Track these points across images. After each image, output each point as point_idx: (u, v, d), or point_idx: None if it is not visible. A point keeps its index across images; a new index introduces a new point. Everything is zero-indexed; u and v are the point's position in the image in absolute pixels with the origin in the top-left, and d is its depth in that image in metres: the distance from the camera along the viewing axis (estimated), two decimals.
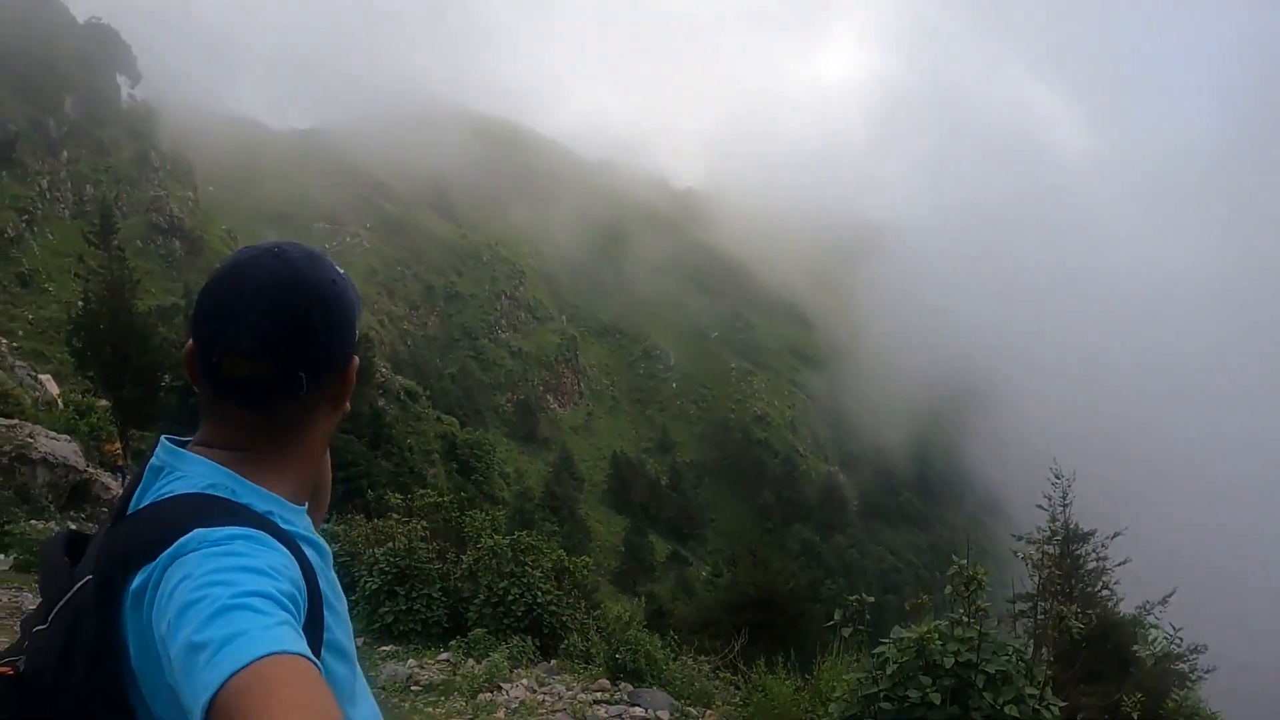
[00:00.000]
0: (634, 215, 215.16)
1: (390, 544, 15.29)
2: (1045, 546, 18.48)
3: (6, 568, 17.37)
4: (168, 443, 1.84)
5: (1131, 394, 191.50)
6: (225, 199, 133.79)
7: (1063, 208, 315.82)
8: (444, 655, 13.36)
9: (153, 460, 1.83)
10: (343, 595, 1.92)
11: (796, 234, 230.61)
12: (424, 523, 17.13)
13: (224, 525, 1.60)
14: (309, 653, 1.43)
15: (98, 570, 1.66)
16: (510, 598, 14.37)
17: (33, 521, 19.67)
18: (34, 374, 47.31)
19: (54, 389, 45.54)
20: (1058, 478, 19.10)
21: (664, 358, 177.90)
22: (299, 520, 1.84)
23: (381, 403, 73.07)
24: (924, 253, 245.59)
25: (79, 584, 1.70)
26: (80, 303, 51.04)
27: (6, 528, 18.94)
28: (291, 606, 1.52)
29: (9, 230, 72.54)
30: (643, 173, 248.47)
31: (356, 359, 1.94)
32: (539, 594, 14.57)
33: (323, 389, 1.84)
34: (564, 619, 14.78)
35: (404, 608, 14.54)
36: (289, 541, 1.68)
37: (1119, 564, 17.10)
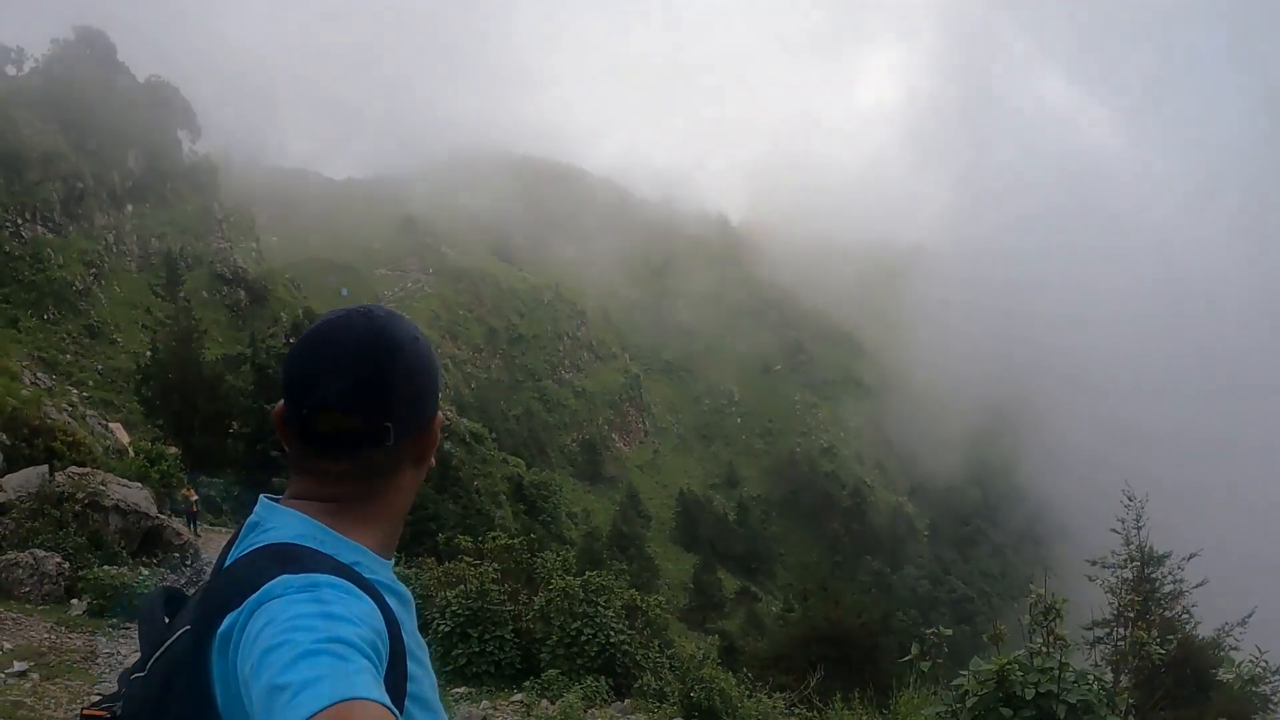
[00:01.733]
0: (684, 250, 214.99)
1: (462, 586, 15.27)
2: (1121, 571, 18.37)
3: (80, 612, 17.39)
4: (265, 499, 1.95)
5: (1185, 404, 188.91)
6: (287, 248, 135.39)
7: (1105, 217, 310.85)
8: (517, 696, 13.34)
9: (251, 517, 1.93)
10: (425, 646, 1.94)
11: (842, 260, 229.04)
12: (495, 565, 17.11)
13: (308, 573, 1.65)
14: (387, 700, 1.45)
15: (194, 621, 1.73)
16: (583, 638, 14.34)
17: (106, 567, 19.62)
18: (104, 423, 47.82)
19: (124, 437, 45.95)
20: (1130, 500, 18.73)
21: (727, 393, 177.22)
22: (384, 572, 1.88)
23: (448, 446, 73.19)
24: (967, 272, 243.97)
25: (176, 635, 1.79)
26: (149, 353, 51.90)
27: (80, 573, 18.99)
28: (372, 654, 1.54)
29: (77, 283, 73.35)
30: (689, 207, 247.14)
31: (440, 416, 2.03)
32: (611, 633, 14.51)
33: (408, 442, 1.91)
34: (637, 658, 14.69)
35: (477, 649, 14.54)
36: (372, 590, 1.71)
37: (1196, 585, 17.29)
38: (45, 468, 24.94)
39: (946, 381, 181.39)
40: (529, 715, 12.17)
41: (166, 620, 1.92)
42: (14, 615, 16.17)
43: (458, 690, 13.69)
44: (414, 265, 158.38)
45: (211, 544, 27.00)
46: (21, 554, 19.27)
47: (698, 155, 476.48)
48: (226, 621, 1.64)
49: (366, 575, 1.76)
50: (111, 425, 48.03)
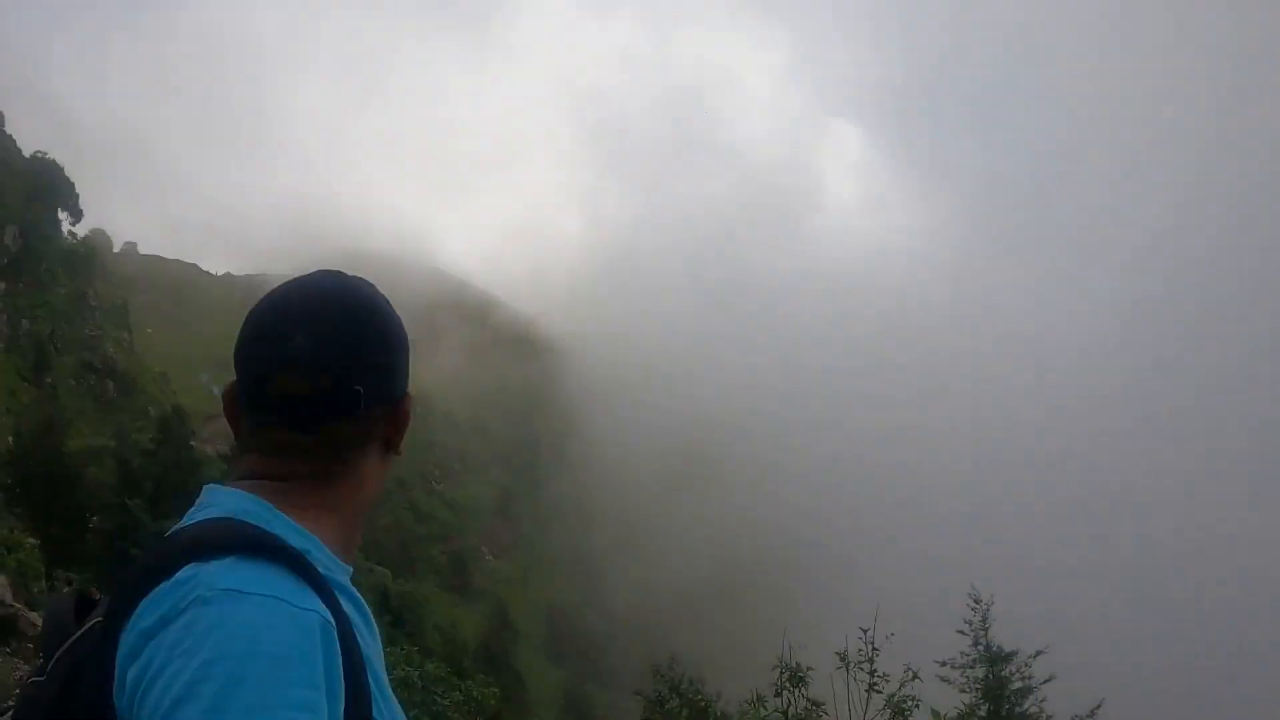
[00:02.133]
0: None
1: None
2: (970, 671, 18.43)
3: None
4: (208, 485, 1.74)
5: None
6: (161, 342, 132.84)
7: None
8: None
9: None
10: (382, 663, 1.73)
11: None
12: None
13: (243, 556, 1.42)
14: None
15: (105, 612, 1.50)
16: None
17: None
18: None
19: None
20: (977, 602, 19.01)
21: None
22: (339, 573, 1.64)
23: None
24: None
25: (82, 629, 1.58)
26: (11, 438, 50.07)
27: None
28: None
29: None
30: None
31: (411, 398, 1.82)
32: None
33: (377, 416, 1.72)
34: None
35: None
36: (321, 586, 1.48)
37: (1045, 681, 17.62)
38: None
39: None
40: None
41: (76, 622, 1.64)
42: None
43: None
44: None
45: None
46: None
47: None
48: (140, 610, 1.39)
49: (317, 569, 1.52)
50: None
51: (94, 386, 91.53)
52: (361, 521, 1.77)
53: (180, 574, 1.36)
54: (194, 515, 1.58)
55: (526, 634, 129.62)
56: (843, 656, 10.12)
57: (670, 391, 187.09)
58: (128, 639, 1.37)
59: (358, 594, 1.66)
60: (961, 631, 19.69)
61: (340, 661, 1.39)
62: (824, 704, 9.67)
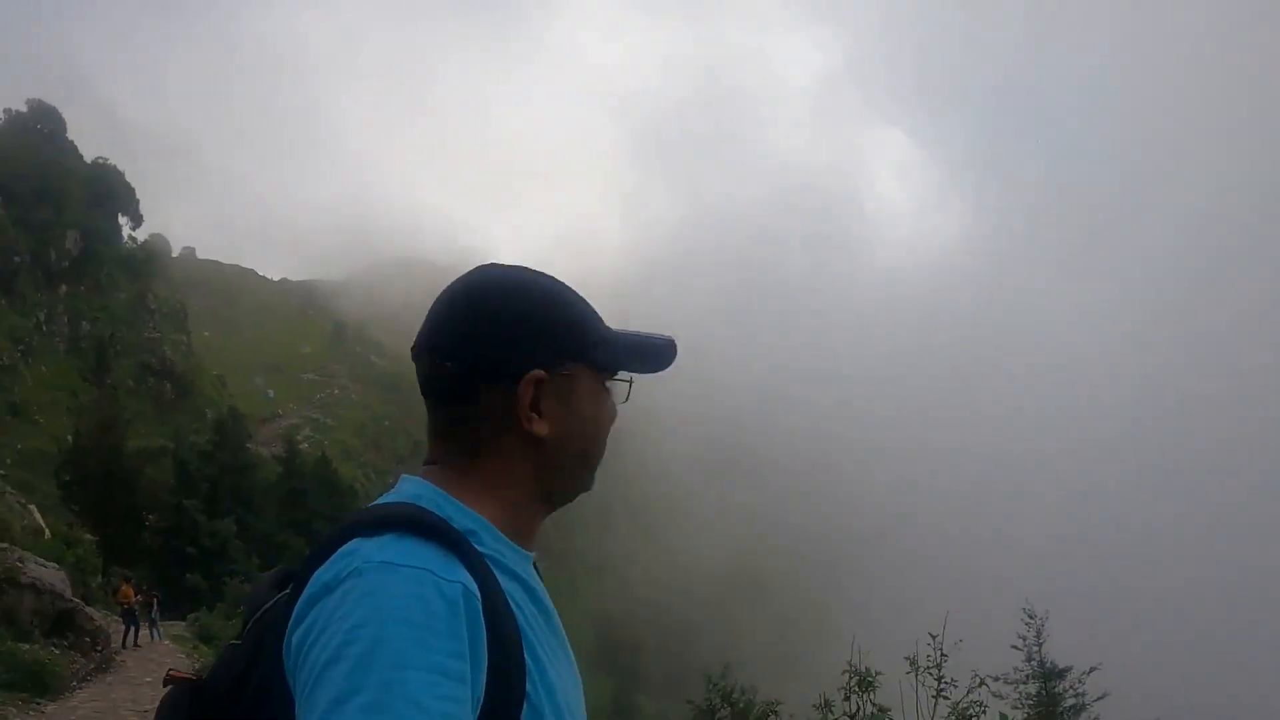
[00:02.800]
0: None
1: None
2: (1023, 686, 18.85)
3: None
4: (402, 474, 1.78)
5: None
6: (218, 345, 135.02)
7: None
8: None
9: None
10: (561, 638, 1.79)
11: None
12: None
13: (401, 533, 1.46)
14: None
15: (295, 581, 1.56)
16: None
17: (20, 644, 19.70)
18: (22, 501, 47.22)
19: (38, 519, 45.40)
20: (1031, 617, 19.37)
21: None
22: (510, 555, 1.65)
23: None
24: None
25: (273, 600, 1.65)
26: (71, 438, 51.21)
27: None
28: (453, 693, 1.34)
29: (4, 359, 72.84)
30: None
31: (541, 373, 1.67)
32: None
33: (495, 397, 1.66)
34: None
35: None
36: (478, 564, 1.51)
37: (1097, 699, 18.06)
38: None
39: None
40: None
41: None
42: None
43: None
44: (342, 372, 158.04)
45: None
46: None
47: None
48: (311, 580, 1.48)
49: (480, 549, 1.56)
50: (29, 506, 47.27)
51: (152, 388, 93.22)
52: (538, 507, 1.75)
53: (346, 546, 1.45)
54: (380, 499, 1.66)
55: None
56: (912, 661, 10.23)
57: (709, 397, 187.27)
58: (299, 607, 1.46)
59: (533, 577, 1.69)
60: (1015, 646, 19.62)
61: (485, 634, 1.43)
62: (890, 710, 9.71)
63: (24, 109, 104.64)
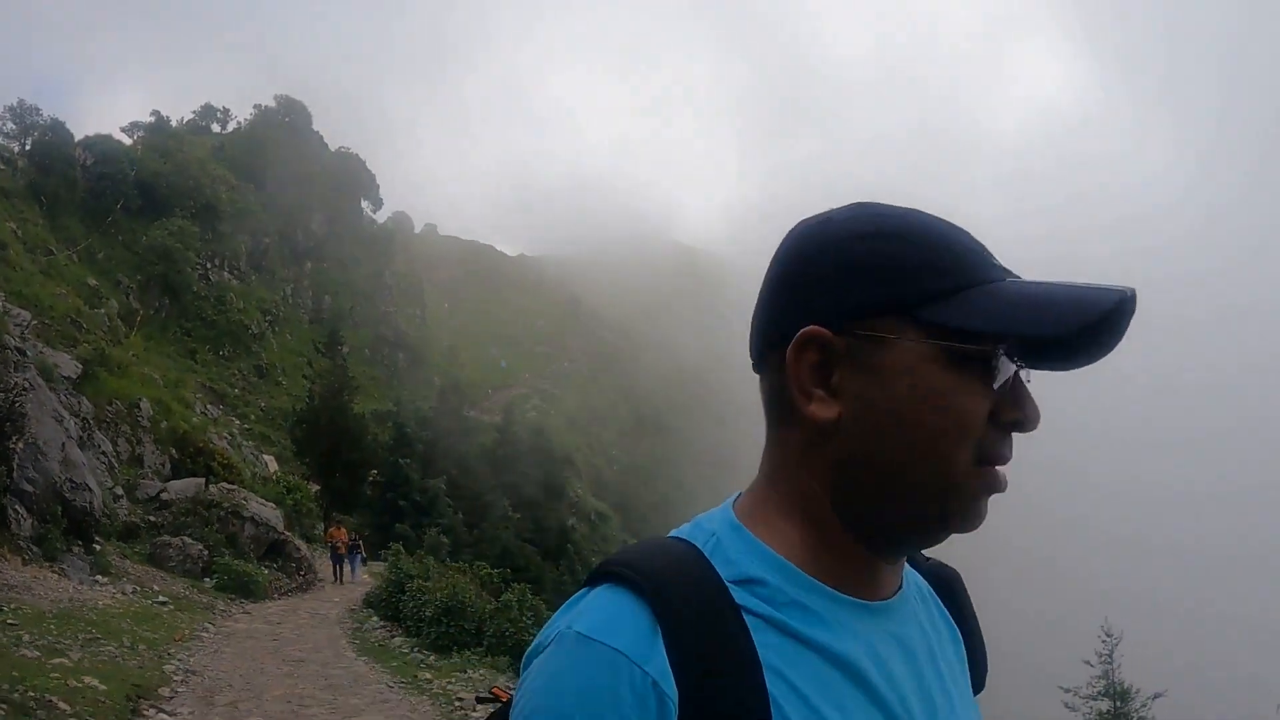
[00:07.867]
0: None
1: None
2: (1095, 702, 20.00)
3: (209, 586, 23.34)
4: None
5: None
6: (453, 317, 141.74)
7: None
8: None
9: None
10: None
11: None
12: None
13: (615, 586, 1.06)
14: None
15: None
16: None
17: (237, 561, 25.64)
18: (258, 452, 52.71)
19: (274, 468, 50.66)
20: (1108, 635, 20.60)
21: None
22: (816, 602, 1.08)
23: (571, 521, 76.05)
24: None
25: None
26: (306, 398, 56.33)
27: (215, 560, 24.78)
28: None
29: (253, 328, 79.28)
30: None
31: (821, 330, 1.08)
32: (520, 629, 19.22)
33: (771, 367, 1.15)
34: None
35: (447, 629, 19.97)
36: (699, 637, 1.01)
37: None
38: (202, 480, 31.54)
39: None
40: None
41: None
42: (163, 575, 22.34)
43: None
44: (574, 347, 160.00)
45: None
46: (174, 539, 25.03)
47: None
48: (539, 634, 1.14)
49: (763, 607, 1.06)
50: (265, 456, 52.93)
51: (386, 357, 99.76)
52: (850, 544, 1.11)
53: (575, 597, 1.10)
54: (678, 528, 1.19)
55: None
56: None
57: None
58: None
59: (880, 633, 1.11)
60: (1088, 662, 20.57)
61: None
62: None
63: (273, 104, 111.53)
